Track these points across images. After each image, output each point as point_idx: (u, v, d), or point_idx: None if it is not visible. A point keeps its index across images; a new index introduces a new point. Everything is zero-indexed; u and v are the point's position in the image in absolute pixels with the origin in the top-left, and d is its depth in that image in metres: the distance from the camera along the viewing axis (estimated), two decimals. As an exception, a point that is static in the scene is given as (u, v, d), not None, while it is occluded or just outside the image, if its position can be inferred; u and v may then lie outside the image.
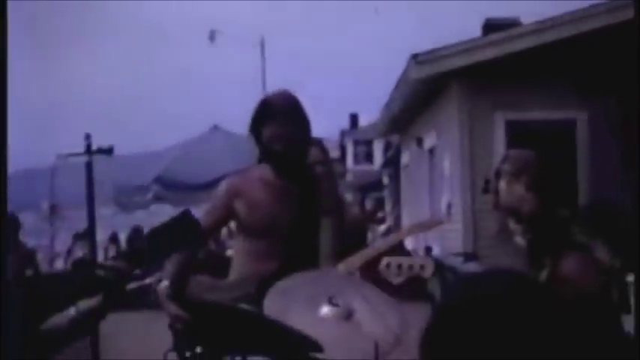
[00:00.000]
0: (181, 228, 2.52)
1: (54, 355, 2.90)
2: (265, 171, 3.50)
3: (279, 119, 3.44)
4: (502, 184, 2.88)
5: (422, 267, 3.38)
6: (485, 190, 3.30)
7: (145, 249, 2.57)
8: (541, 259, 2.68)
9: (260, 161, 3.56)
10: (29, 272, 7.71)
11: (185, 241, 2.56)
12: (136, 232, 17.94)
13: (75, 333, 2.93)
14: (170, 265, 3.31)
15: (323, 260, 3.45)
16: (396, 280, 3.31)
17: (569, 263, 2.65)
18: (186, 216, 2.53)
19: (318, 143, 4.43)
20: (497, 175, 2.94)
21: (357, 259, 3.62)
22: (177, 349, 3.08)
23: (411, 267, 3.37)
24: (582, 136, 8.39)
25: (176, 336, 3.12)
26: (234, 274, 3.51)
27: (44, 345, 2.86)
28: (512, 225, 2.85)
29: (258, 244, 3.45)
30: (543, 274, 2.64)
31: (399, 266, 3.41)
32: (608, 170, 8.06)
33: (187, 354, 2.98)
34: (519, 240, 2.77)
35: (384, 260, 3.51)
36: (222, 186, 3.58)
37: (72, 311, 2.79)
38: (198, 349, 2.87)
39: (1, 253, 3.81)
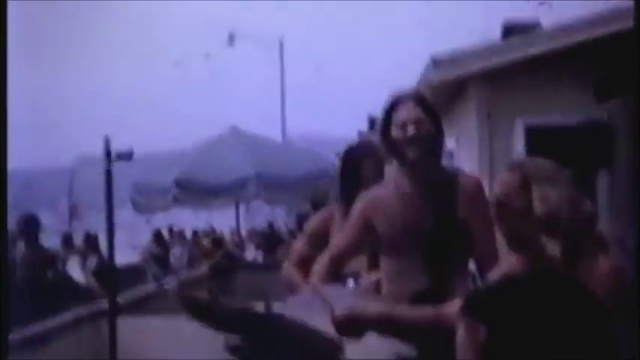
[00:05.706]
0: None
1: None
2: (399, 179, 3.30)
3: (409, 104, 3.25)
4: (536, 192, 2.73)
5: None
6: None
7: None
8: (574, 263, 2.62)
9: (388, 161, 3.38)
10: (50, 274, 7.73)
11: None
12: (158, 237, 17.45)
13: None
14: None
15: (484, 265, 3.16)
16: None
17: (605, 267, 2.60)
18: None
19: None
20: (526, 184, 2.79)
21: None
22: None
23: None
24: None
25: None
26: (385, 294, 3.24)
27: None
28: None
29: (400, 260, 3.21)
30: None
31: None
32: (627, 173, 8.00)
33: None
34: (551, 247, 2.65)
35: None
36: (358, 202, 3.36)
37: None
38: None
39: (1, 253, 3.79)
